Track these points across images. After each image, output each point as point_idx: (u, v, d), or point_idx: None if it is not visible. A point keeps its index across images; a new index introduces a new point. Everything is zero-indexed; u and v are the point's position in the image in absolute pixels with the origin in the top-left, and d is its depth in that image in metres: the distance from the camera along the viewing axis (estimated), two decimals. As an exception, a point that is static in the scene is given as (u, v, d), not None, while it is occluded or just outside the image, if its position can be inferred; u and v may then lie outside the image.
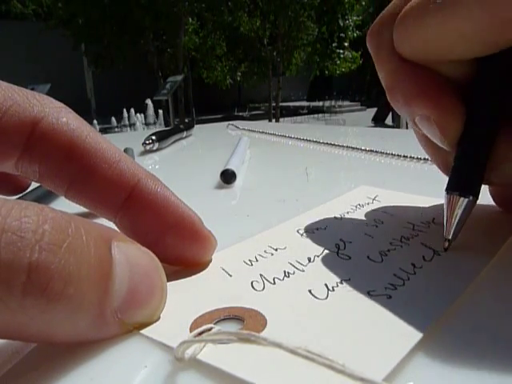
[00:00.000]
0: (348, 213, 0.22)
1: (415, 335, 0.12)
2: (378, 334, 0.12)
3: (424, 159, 0.38)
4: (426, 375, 0.11)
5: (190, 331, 0.12)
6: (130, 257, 0.12)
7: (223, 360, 0.11)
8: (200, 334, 0.12)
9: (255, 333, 0.11)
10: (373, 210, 0.22)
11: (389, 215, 0.22)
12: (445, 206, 0.17)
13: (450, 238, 0.17)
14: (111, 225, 0.16)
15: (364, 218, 0.21)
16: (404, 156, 0.40)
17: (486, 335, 0.12)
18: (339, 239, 0.19)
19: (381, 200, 0.24)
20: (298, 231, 0.20)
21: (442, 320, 0.13)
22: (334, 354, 0.10)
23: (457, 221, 0.17)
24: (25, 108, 0.15)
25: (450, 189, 0.17)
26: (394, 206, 0.23)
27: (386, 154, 0.42)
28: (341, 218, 0.22)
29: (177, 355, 0.11)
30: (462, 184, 0.17)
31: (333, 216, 0.22)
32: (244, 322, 0.13)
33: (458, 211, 0.17)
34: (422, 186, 0.31)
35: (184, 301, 0.14)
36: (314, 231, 0.20)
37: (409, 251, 0.17)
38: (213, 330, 0.12)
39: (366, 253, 0.17)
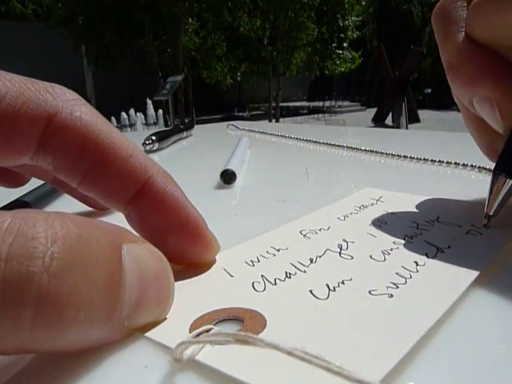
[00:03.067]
0: (351, 214, 0.22)
1: (416, 334, 0.12)
2: (377, 335, 0.12)
3: (424, 159, 0.38)
4: (426, 375, 0.11)
5: (190, 332, 0.12)
6: (140, 261, 0.12)
7: (221, 361, 0.11)
8: (199, 334, 0.12)
9: (253, 334, 0.11)
10: (376, 211, 0.22)
11: (393, 215, 0.22)
12: (490, 184, 0.18)
13: (492, 214, 0.18)
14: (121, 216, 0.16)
15: (367, 219, 0.21)
16: (404, 156, 0.40)
17: (487, 342, 0.12)
18: (342, 239, 0.19)
19: (385, 201, 0.24)
20: (300, 232, 0.20)
21: (442, 318, 0.13)
22: (332, 354, 0.10)
23: (500, 200, 0.18)
24: (38, 104, 0.14)
25: (498, 169, 0.18)
26: (398, 206, 0.23)
27: (386, 154, 0.42)
28: (344, 219, 0.22)
29: (175, 356, 0.11)
30: (510, 166, 0.18)
31: (336, 217, 0.22)
32: (244, 323, 0.13)
33: (503, 191, 0.18)
34: (421, 187, 0.31)
35: (185, 301, 0.14)
36: (317, 232, 0.20)
37: (412, 249, 0.17)
38: (211, 331, 0.12)
39: (368, 252, 0.17)
